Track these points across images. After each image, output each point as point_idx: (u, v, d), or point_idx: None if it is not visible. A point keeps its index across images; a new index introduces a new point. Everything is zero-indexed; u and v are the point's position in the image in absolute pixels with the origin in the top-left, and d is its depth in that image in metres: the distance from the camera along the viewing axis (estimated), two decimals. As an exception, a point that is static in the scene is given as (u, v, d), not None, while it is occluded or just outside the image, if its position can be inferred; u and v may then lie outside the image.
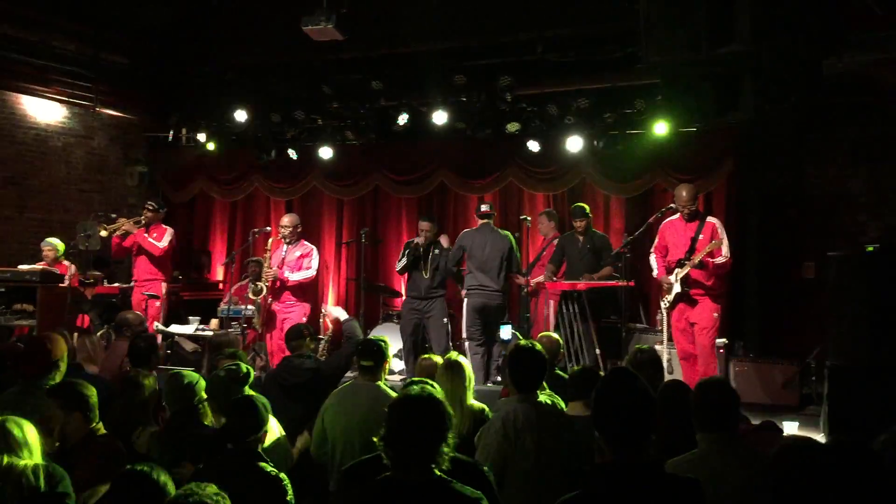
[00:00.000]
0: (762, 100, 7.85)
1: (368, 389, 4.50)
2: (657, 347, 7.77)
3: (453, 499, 2.63)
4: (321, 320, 8.22)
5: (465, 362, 4.55)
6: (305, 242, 8.23)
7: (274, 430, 4.23)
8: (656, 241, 7.25)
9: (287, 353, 5.66)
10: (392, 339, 6.62)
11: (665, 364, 7.34)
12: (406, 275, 8.53)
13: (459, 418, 4.20)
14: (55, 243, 8.47)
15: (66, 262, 8.37)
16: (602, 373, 4.98)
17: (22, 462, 3.17)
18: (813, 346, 7.66)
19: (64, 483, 3.23)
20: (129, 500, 2.76)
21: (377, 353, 4.65)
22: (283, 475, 3.46)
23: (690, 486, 2.47)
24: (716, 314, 6.88)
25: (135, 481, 2.77)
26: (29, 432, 3.26)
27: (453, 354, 4.65)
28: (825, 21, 6.83)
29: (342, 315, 6.18)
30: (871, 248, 7.00)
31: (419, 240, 8.11)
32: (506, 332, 4.64)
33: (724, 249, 6.85)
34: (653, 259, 7.27)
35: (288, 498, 3.42)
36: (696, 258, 6.74)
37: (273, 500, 3.37)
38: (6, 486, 3.09)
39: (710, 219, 7.02)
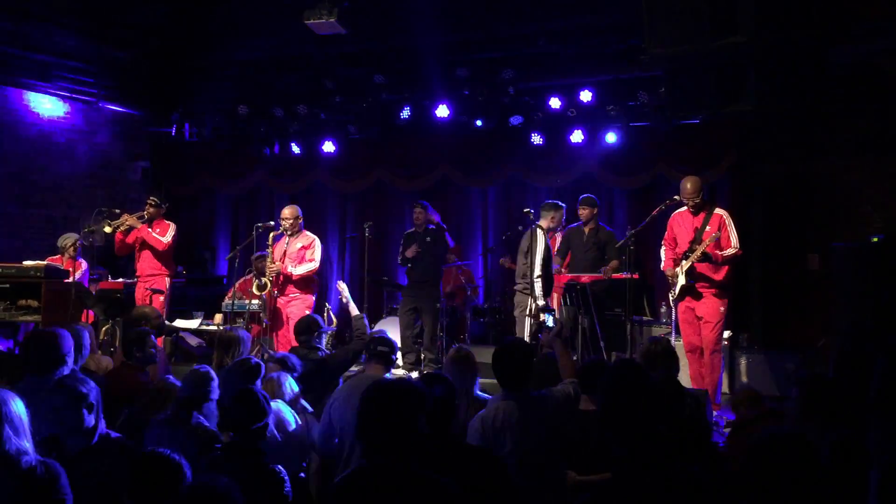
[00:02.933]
0: (765, 91, 7.87)
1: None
2: (662, 340, 7.79)
3: (427, 484, 2.61)
4: (325, 314, 8.23)
5: (472, 355, 4.56)
6: (307, 233, 8.18)
7: (289, 421, 4.25)
8: (666, 232, 7.24)
9: (295, 345, 5.68)
10: (395, 335, 6.66)
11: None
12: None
13: (466, 409, 4.21)
14: (76, 238, 8.49)
15: (80, 259, 8.40)
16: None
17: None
18: (818, 338, 7.65)
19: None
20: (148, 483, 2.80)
21: (391, 341, 4.70)
22: (279, 467, 3.46)
23: (694, 478, 2.45)
24: (722, 308, 6.85)
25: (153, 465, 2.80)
26: (23, 410, 3.17)
27: (462, 347, 4.67)
28: (829, 11, 6.82)
29: (352, 306, 6.19)
30: (875, 240, 7.00)
31: None
32: (550, 320, 4.72)
33: (734, 241, 6.82)
34: (662, 251, 7.26)
35: (285, 490, 3.43)
36: (699, 250, 6.72)
37: (271, 492, 3.38)
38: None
39: (717, 210, 6.98)
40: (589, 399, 4.19)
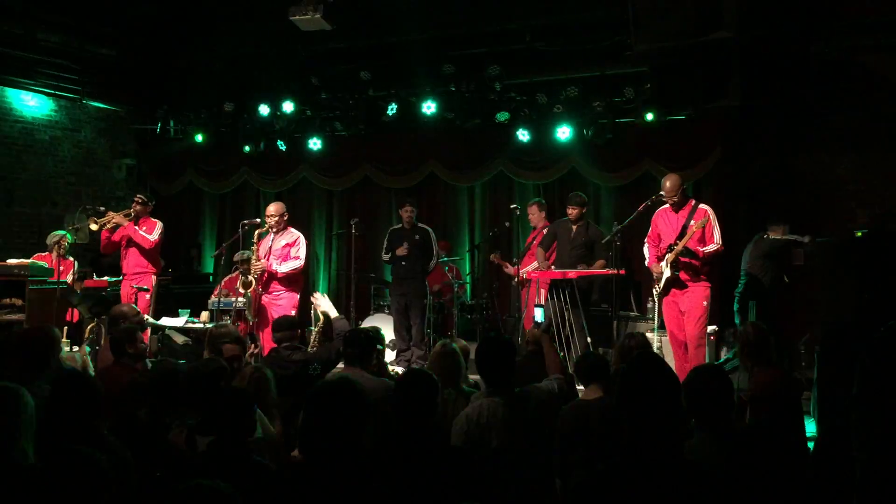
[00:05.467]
0: (751, 86, 7.91)
1: (361, 379, 4.46)
2: (649, 335, 7.81)
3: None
4: (311, 311, 8.20)
5: (458, 349, 4.56)
6: (292, 230, 8.14)
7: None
8: (650, 230, 7.24)
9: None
10: (384, 330, 6.64)
11: (656, 351, 7.38)
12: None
13: (453, 403, 4.21)
14: (60, 236, 8.44)
15: (70, 258, 8.36)
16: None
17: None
18: (803, 332, 7.69)
19: None
20: None
21: (363, 340, 4.62)
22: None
23: (709, 475, 2.44)
24: (705, 302, 6.87)
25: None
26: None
27: (448, 341, 4.65)
28: (813, 7, 6.86)
29: (331, 311, 6.12)
30: (859, 234, 7.06)
31: None
32: (539, 314, 4.68)
33: (717, 237, 6.84)
34: (646, 248, 7.27)
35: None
36: (681, 245, 6.74)
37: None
38: None
39: (702, 206, 6.99)
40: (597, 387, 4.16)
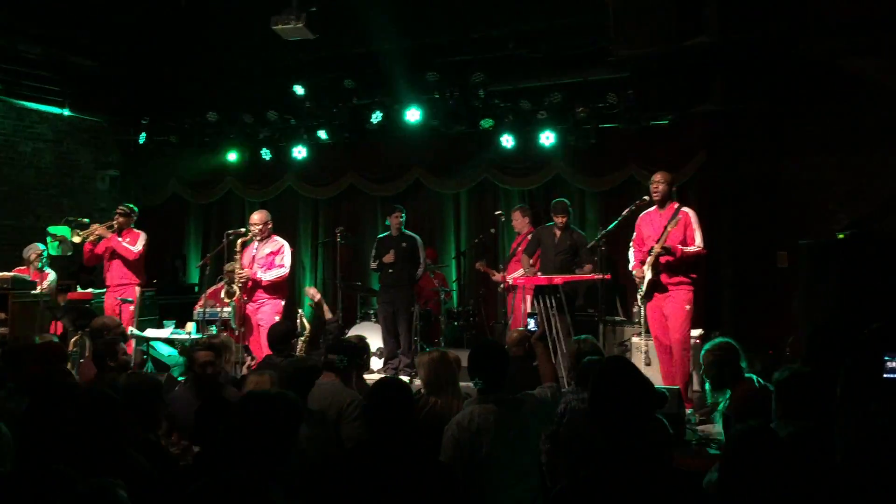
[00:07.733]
0: (732, 90, 7.96)
1: (332, 387, 4.45)
2: (635, 340, 7.82)
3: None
4: (298, 320, 8.17)
5: (447, 355, 4.55)
6: (276, 238, 8.12)
7: None
8: (634, 234, 7.24)
9: (267, 352, 5.61)
10: (370, 338, 6.64)
11: (643, 356, 7.40)
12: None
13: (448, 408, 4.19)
14: (40, 249, 8.42)
15: (47, 270, 8.30)
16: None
17: None
18: (787, 335, 7.71)
19: None
20: None
21: (348, 349, 4.63)
22: None
23: (688, 479, 2.42)
24: (688, 306, 6.84)
25: None
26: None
27: (438, 350, 4.65)
28: (792, 11, 6.91)
29: (326, 310, 6.11)
30: (842, 236, 7.08)
31: None
32: (531, 324, 4.68)
33: (698, 239, 6.82)
34: (631, 253, 7.27)
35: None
36: (660, 243, 6.71)
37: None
38: None
39: (684, 209, 6.99)
40: None
